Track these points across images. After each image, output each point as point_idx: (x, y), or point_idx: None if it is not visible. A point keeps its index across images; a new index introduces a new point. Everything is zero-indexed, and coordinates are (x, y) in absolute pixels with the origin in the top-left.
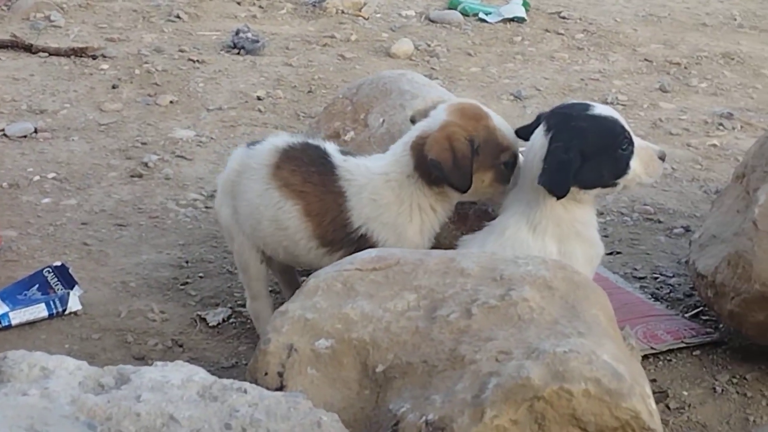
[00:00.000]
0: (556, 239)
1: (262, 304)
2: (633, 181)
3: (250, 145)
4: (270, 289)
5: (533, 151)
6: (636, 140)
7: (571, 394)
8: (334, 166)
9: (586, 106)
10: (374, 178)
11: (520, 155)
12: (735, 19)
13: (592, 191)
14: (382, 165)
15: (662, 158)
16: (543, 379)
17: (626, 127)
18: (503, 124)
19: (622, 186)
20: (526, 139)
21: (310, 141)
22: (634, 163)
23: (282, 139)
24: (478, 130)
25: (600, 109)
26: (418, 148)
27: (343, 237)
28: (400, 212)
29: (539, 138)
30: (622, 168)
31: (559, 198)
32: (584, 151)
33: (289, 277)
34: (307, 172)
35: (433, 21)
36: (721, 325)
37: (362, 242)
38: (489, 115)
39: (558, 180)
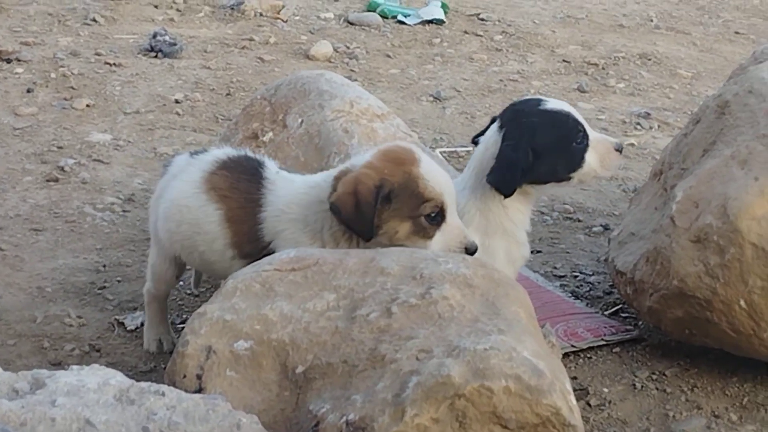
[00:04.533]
0: (481, 232)
1: (158, 297)
2: (588, 174)
3: (193, 154)
4: (189, 292)
5: (486, 146)
6: (591, 133)
7: (492, 392)
8: (263, 176)
9: (538, 102)
10: (293, 193)
11: (451, 216)
12: (651, 20)
13: (545, 186)
14: (307, 182)
15: (619, 150)
16: (463, 376)
17: (580, 120)
18: (434, 173)
19: (577, 180)
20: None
21: (250, 154)
22: (590, 157)
23: (224, 151)
24: (393, 176)
25: (552, 104)
26: (336, 183)
27: (257, 248)
28: (304, 231)
29: (493, 134)
30: (577, 162)
31: (506, 197)
32: (536, 148)
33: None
34: (236, 179)
35: (351, 23)
36: (640, 322)
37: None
38: (417, 161)
39: (506, 179)
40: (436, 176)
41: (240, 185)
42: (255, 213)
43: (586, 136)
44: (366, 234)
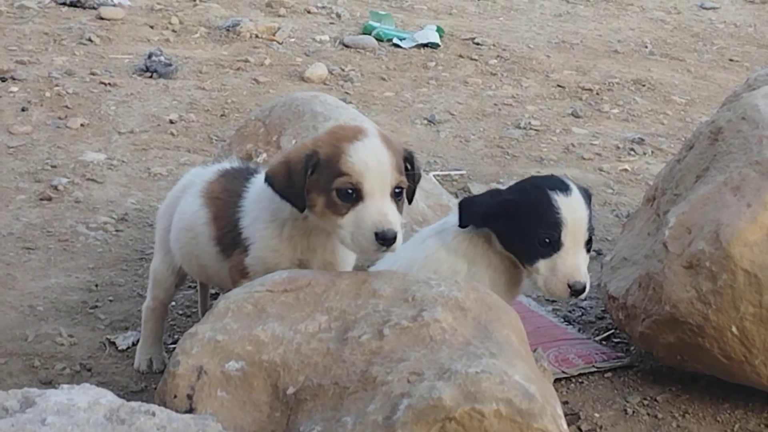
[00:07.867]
0: (468, 260)
1: (156, 313)
2: (531, 276)
3: (205, 166)
4: (181, 312)
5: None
6: (567, 253)
7: (483, 415)
8: (250, 178)
9: (554, 184)
10: (262, 186)
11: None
12: (646, 47)
13: (505, 251)
14: None
15: (573, 290)
16: (455, 399)
17: (564, 228)
18: (364, 152)
19: (528, 273)
20: None
21: (252, 166)
22: (542, 265)
23: (230, 163)
24: (323, 148)
25: (561, 197)
26: None
27: (235, 239)
28: (272, 221)
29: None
30: (529, 257)
31: (459, 225)
32: (510, 214)
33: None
34: (228, 183)
35: (347, 46)
36: (632, 348)
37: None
38: (353, 139)
39: (468, 211)
40: (363, 155)
41: (229, 188)
42: (236, 208)
43: (554, 246)
44: (299, 204)
